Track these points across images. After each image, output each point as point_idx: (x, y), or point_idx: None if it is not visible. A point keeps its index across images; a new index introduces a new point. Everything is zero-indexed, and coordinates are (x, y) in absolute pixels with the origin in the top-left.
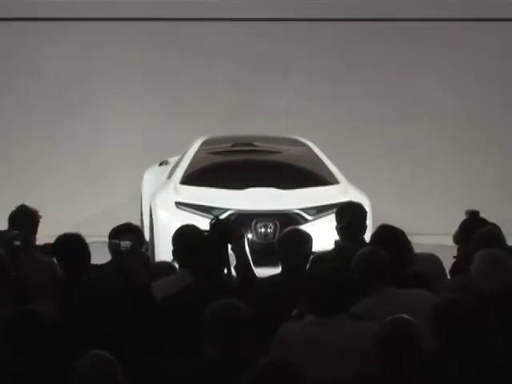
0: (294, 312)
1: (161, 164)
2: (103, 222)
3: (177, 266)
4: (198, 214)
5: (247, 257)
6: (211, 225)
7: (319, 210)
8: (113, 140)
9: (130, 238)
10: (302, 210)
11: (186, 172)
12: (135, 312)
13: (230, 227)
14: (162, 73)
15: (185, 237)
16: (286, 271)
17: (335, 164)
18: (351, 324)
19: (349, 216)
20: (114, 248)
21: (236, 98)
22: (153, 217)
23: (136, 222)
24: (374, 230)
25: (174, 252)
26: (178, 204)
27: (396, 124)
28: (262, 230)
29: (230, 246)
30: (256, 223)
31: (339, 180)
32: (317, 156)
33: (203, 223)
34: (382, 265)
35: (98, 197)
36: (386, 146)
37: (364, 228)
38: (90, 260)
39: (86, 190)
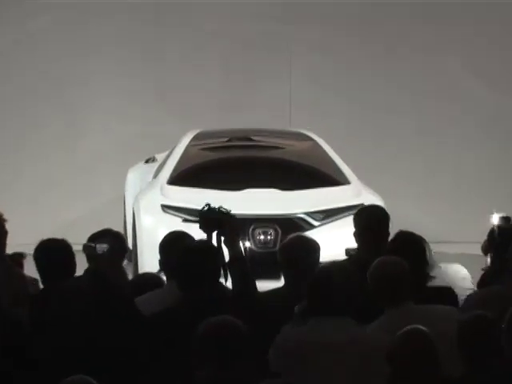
0: (296, 308)
1: (147, 161)
2: (82, 228)
3: (164, 278)
4: (189, 221)
5: (241, 250)
6: (200, 214)
7: (327, 215)
8: (94, 132)
9: (108, 241)
10: (306, 214)
11: (174, 171)
12: (116, 327)
13: (222, 216)
14: (152, 54)
15: (173, 245)
16: (289, 284)
17: (346, 161)
18: (356, 327)
19: (366, 220)
20: (89, 251)
21: (234, 85)
22: (136, 222)
23: (119, 228)
24: (391, 237)
25: (160, 262)
26: (165, 207)
27: (414, 114)
28: (261, 237)
29: (222, 240)
30: (254, 229)
31: (350, 180)
32: (325, 152)
33: (193, 229)
34: (401, 276)
35: (76, 199)
36: (405, 139)
37: (384, 235)
38: (75, 271)
39: (60, 191)
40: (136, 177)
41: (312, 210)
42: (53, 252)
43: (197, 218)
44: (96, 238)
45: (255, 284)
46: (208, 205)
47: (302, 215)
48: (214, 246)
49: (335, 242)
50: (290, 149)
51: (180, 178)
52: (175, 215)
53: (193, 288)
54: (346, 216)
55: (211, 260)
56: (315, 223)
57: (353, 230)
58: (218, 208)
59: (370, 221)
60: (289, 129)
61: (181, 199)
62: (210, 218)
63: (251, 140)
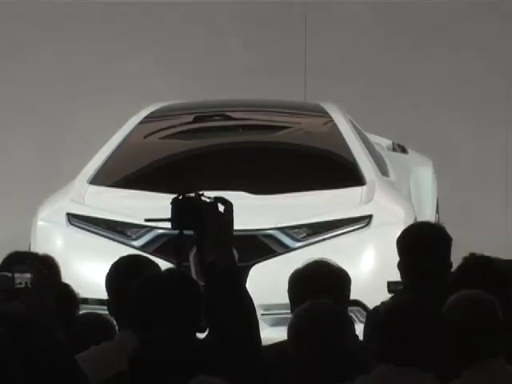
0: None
1: None
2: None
3: (115, 324)
4: (105, 237)
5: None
6: (174, 204)
7: (313, 231)
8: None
9: (30, 269)
10: (279, 229)
11: (104, 165)
12: None
13: (206, 207)
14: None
15: (129, 276)
16: None
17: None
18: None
19: (413, 244)
20: (4, 285)
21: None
22: (31, 242)
23: None
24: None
25: (109, 304)
26: (73, 218)
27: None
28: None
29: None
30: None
31: (367, 179)
32: (340, 136)
33: (113, 254)
34: (493, 321)
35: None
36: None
37: (441, 263)
38: None
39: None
40: None
41: (288, 223)
42: None
43: (164, 217)
44: (12, 261)
45: (258, 326)
46: (183, 194)
47: (271, 231)
48: (191, 277)
49: None
50: (285, 130)
51: (110, 176)
52: (88, 230)
53: (160, 341)
54: (342, 234)
55: (190, 296)
56: (292, 244)
57: (356, 255)
58: (199, 195)
59: (417, 244)
60: (297, 100)
61: (101, 206)
62: (187, 210)
63: (229, 118)
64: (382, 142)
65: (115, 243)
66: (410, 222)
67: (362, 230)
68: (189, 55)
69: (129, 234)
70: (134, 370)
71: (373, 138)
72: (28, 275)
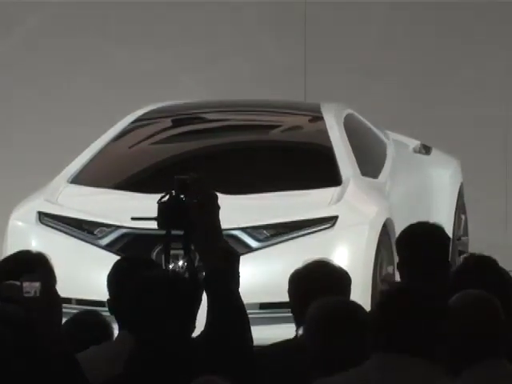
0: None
1: None
2: None
3: (116, 325)
4: (73, 236)
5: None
6: (159, 207)
7: (276, 232)
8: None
9: (39, 278)
10: (242, 230)
11: (89, 163)
12: None
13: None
14: None
15: (128, 276)
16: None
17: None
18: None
19: (409, 244)
20: (11, 294)
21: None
22: (4, 241)
23: None
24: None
25: (109, 304)
26: (44, 216)
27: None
28: (169, 266)
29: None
30: (158, 253)
31: (344, 178)
32: (326, 134)
33: (80, 253)
34: (496, 321)
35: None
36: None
37: (440, 264)
38: None
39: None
40: None
41: (252, 224)
42: None
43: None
44: (19, 266)
45: (249, 325)
46: (170, 193)
47: (234, 232)
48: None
49: (286, 271)
50: (271, 131)
51: (91, 175)
52: (57, 228)
53: (159, 341)
54: (305, 235)
55: (189, 296)
56: (254, 244)
57: (319, 256)
58: (186, 195)
59: (416, 244)
60: (296, 100)
61: (73, 205)
62: (173, 210)
63: (207, 121)
64: (409, 143)
65: (83, 242)
66: (380, 222)
67: (326, 230)
68: (188, 56)
69: (95, 232)
70: (134, 370)
71: (400, 139)
72: (37, 284)
